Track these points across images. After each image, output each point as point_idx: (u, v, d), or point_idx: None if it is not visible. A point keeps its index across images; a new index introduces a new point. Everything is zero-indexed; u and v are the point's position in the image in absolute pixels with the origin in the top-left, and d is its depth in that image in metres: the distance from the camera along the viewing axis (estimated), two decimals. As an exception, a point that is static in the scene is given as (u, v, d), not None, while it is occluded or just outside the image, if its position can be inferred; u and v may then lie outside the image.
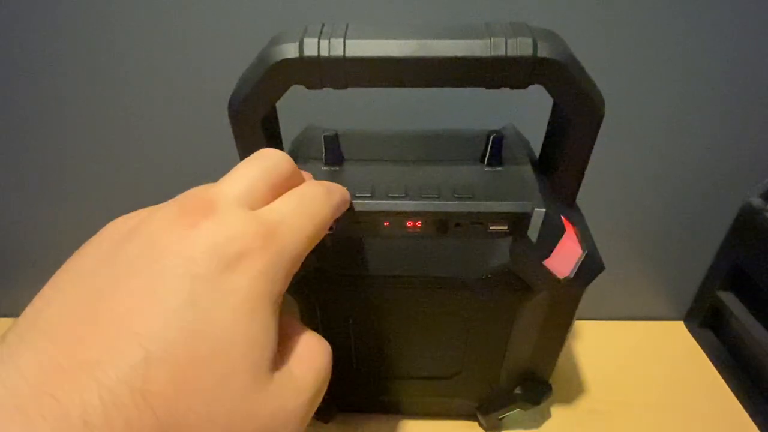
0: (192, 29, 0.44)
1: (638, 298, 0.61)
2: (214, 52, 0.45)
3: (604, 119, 0.46)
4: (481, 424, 0.49)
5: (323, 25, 0.30)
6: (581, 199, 0.39)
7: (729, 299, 0.55)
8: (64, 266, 0.21)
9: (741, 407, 0.52)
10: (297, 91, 0.33)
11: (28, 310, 0.19)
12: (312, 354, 0.24)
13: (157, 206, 0.22)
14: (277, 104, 0.35)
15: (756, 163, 0.51)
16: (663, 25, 0.44)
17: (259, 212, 0.22)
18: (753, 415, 0.50)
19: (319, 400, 0.23)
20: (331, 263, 0.35)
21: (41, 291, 0.20)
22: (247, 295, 0.20)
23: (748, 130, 0.49)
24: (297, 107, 0.38)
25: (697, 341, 0.59)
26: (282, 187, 0.25)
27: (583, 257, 0.34)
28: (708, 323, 0.59)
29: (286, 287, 0.22)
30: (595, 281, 0.56)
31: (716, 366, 0.56)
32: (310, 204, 0.24)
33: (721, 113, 0.48)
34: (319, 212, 0.25)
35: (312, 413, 0.22)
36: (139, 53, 0.46)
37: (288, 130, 0.39)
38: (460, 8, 0.43)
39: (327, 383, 0.24)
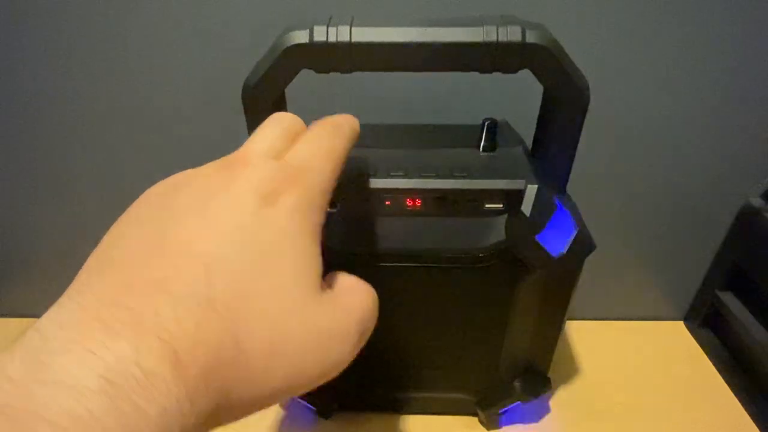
0: (202, 28, 0.47)
1: (638, 298, 0.62)
2: (222, 51, 0.48)
3: (604, 120, 0.48)
4: (480, 421, 0.50)
5: (331, 17, 0.33)
6: (581, 200, 0.41)
7: (729, 299, 0.57)
8: (114, 225, 0.24)
9: (741, 407, 0.54)
10: (304, 90, 0.36)
11: (90, 261, 0.22)
12: (358, 290, 0.27)
13: (194, 169, 0.26)
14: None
15: (756, 163, 0.53)
16: (663, 25, 0.46)
17: (284, 160, 0.26)
18: (753, 415, 0.52)
19: (365, 338, 0.26)
20: (333, 241, 0.38)
21: (97, 247, 0.23)
22: (287, 223, 0.23)
23: (748, 130, 0.51)
24: (303, 107, 0.40)
25: (697, 341, 0.60)
26: (296, 141, 0.29)
27: (575, 234, 0.37)
28: (708, 323, 0.61)
29: (322, 219, 0.26)
30: (594, 281, 0.57)
31: (716, 366, 0.57)
32: (326, 142, 0.29)
33: (721, 113, 0.51)
34: (335, 147, 0.29)
35: (358, 348, 0.25)
36: (145, 51, 0.49)
37: None
38: (455, 7, 0.46)
39: (372, 324, 0.27)
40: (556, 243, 0.37)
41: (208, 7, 0.45)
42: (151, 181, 0.57)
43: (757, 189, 0.54)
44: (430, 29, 0.32)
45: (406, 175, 0.36)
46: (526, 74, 0.34)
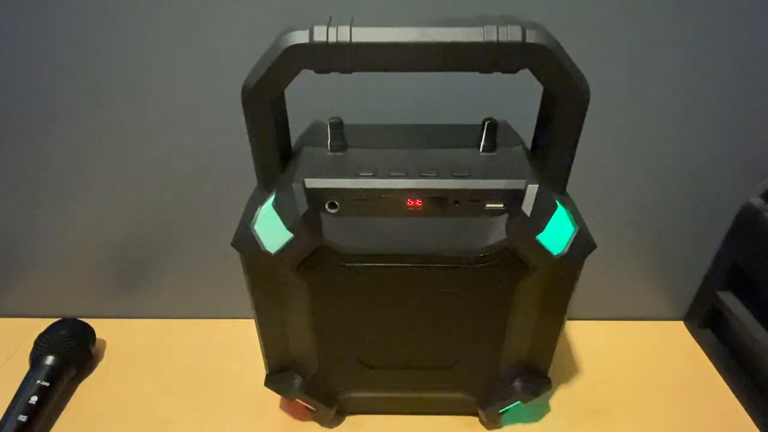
0: (202, 28, 0.47)
1: (638, 298, 0.62)
2: (222, 51, 0.48)
3: (604, 121, 0.48)
4: (481, 420, 0.50)
5: (331, 17, 0.34)
6: (582, 200, 0.42)
7: (729, 299, 0.57)
8: None
9: (741, 407, 0.54)
10: (304, 90, 0.37)
11: None
12: None
13: None
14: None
15: (756, 163, 0.53)
16: (663, 26, 0.46)
17: None
18: (753, 415, 0.53)
19: None
20: (334, 241, 0.38)
21: None
22: None
23: (748, 130, 0.51)
24: (303, 107, 0.41)
25: (697, 341, 0.61)
26: None
27: (575, 234, 0.38)
28: (708, 323, 0.61)
29: None
30: (594, 281, 0.57)
31: (716, 366, 0.57)
32: None
33: (721, 114, 0.51)
34: None
35: None
36: (144, 51, 0.48)
37: (294, 130, 0.43)
38: (455, 7, 0.46)
39: None
40: (557, 243, 0.37)
41: (207, 7, 0.45)
42: (150, 181, 0.57)
43: (757, 189, 0.54)
44: (430, 29, 0.32)
45: (406, 175, 0.36)
46: (526, 74, 0.34)
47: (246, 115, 0.36)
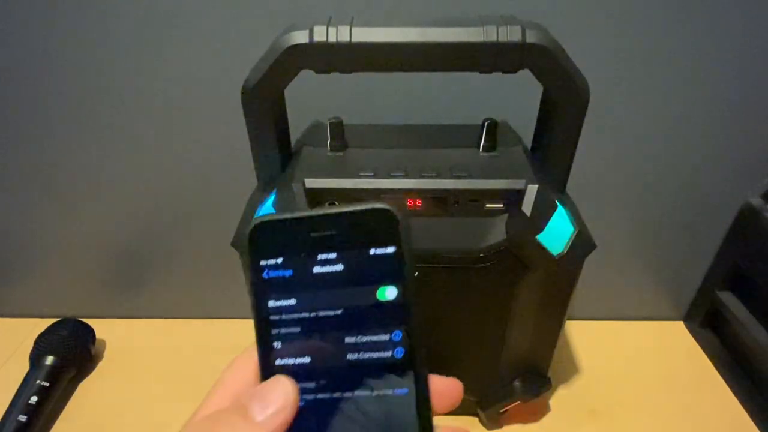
0: (202, 28, 0.47)
1: (638, 298, 0.62)
2: (222, 51, 0.48)
3: (604, 121, 0.48)
4: (481, 420, 0.50)
5: (331, 17, 0.34)
6: (582, 200, 0.42)
7: (729, 299, 0.57)
8: None
9: (741, 407, 0.54)
10: (304, 90, 0.37)
11: None
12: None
13: None
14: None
15: (756, 163, 0.53)
16: (663, 26, 0.46)
17: None
18: (753, 415, 0.52)
19: None
20: None
21: None
22: None
23: (748, 130, 0.51)
24: (303, 107, 0.41)
25: (697, 341, 0.61)
26: None
27: (575, 234, 0.38)
28: (708, 323, 0.61)
29: None
30: (595, 281, 0.57)
31: (716, 366, 0.57)
32: None
33: (721, 114, 0.51)
34: None
35: None
36: (145, 51, 0.48)
37: (294, 130, 0.43)
38: (455, 7, 0.46)
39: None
40: (556, 243, 0.37)
41: (208, 7, 0.45)
42: (150, 181, 0.57)
43: (757, 189, 0.54)
44: (430, 29, 0.32)
45: (406, 175, 0.37)
46: (526, 74, 0.34)
47: (246, 115, 0.36)
